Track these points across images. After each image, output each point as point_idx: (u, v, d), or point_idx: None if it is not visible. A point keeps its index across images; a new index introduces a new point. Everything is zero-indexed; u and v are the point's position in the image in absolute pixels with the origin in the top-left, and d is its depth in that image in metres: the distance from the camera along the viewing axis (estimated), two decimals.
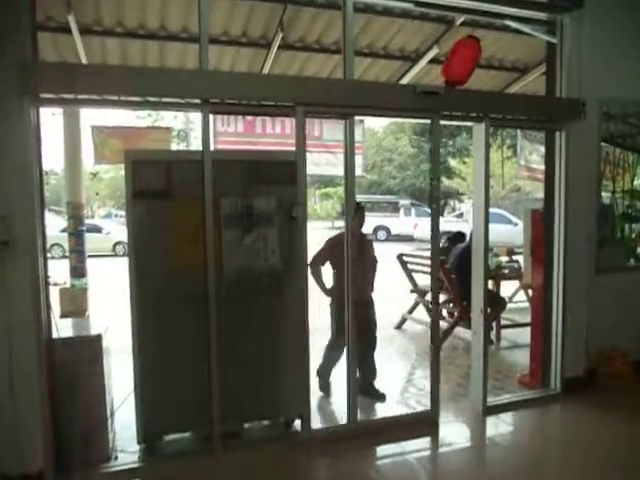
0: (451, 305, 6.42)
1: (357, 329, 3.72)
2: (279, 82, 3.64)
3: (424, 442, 3.69)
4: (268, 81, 3.74)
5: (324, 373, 4.48)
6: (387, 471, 3.36)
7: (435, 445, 3.68)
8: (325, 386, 4.51)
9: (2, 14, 2.79)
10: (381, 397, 4.38)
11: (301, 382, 3.59)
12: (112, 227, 18.86)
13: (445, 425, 3.95)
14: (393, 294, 7.34)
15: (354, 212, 4.42)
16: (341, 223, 4.16)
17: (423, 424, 3.85)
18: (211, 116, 3.34)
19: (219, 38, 5.10)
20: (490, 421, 3.97)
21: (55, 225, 14.46)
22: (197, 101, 3.24)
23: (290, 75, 5.36)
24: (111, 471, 3.22)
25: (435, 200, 3.88)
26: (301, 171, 3.43)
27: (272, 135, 6.60)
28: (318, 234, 5.47)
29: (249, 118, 6.47)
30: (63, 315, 6.78)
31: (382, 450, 3.59)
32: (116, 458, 3.34)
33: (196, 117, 10.72)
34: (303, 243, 3.53)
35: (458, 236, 6.54)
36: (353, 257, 3.68)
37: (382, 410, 4.19)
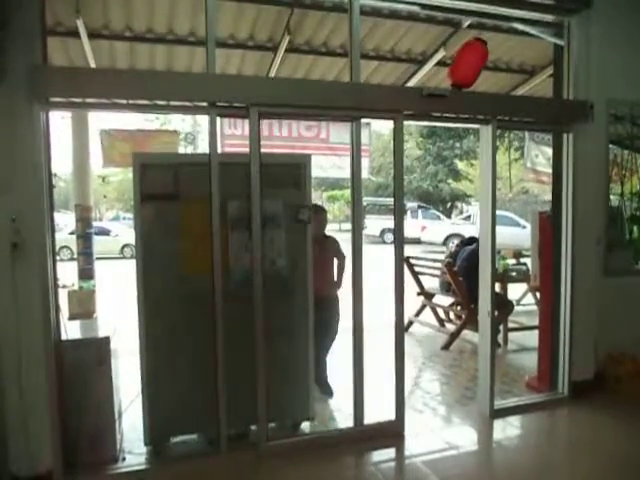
0: (459, 308, 6.40)
1: (318, 324, 3.84)
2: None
3: (428, 444, 3.68)
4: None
5: (318, 377, 4.31)
6: (392, 474, 3.35)
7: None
8: (325, 389, 4.46)
9: (13, 19, 2.83)
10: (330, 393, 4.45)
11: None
12: (120, 229, 18.98)
13: (452, 428, 3.94)
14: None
15: (314, 214, 4.44)
16: (348, 225, 4.16)
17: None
18: (218, 119, 3.36)
19: (226, 41, 5.13)
20: (497, 424, 3.95)
21: (65, 225, 14.54)
22: (204, 104, 3.26)
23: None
24: (118, 472, 3.24)
25: (398, 198, 3.77)
26: (255, 174, 3.30)
27: (278, 138, 6.59)
28: None
29: None
30: (71, 317, 6.84)
31: (386, 453, 3.56)
32: (123, 459, 3.35)
33: (203, 120, 10.75)
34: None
35: (470, 241, 6.49)
36: (314, 257, 3.70)
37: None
